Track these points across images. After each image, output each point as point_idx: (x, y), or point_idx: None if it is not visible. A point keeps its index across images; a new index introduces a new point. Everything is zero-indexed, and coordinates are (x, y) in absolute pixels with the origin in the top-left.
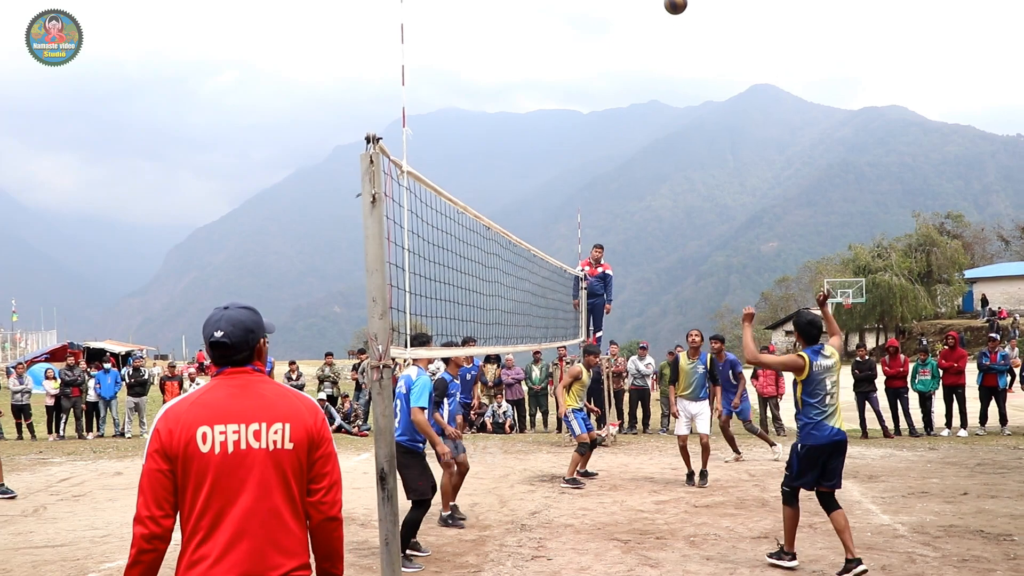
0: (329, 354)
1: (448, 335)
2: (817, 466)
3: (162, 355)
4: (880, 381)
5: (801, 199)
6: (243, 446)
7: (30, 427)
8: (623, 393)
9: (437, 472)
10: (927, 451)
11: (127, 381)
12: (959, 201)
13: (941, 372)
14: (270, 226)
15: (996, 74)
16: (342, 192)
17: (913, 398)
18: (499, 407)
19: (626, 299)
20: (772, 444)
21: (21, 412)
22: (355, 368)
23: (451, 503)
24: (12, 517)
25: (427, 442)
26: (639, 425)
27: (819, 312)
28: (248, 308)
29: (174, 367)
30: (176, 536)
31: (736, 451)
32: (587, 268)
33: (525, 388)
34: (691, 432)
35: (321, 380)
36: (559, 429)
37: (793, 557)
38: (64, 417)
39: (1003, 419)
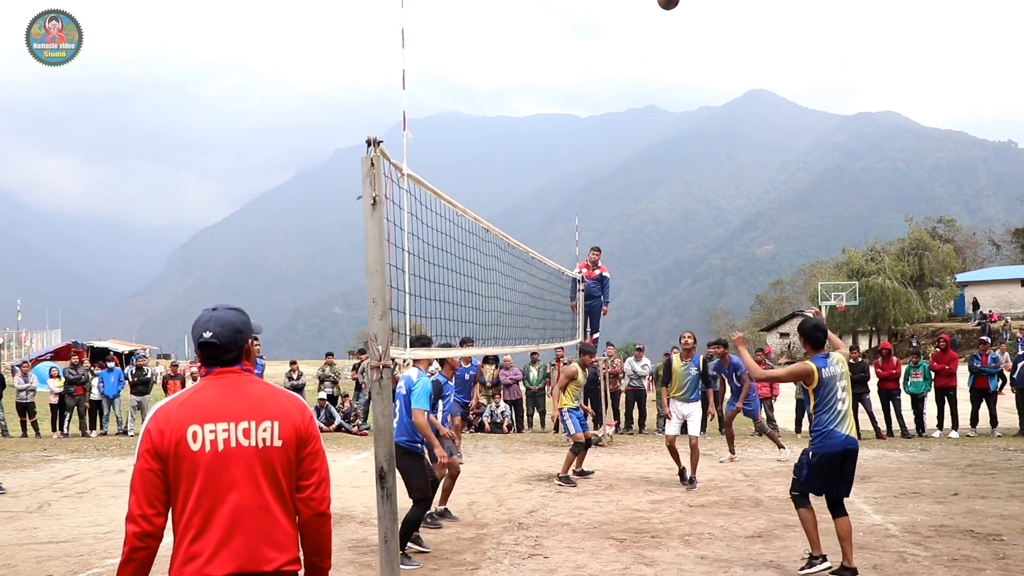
0: (329, 354)
1: (447, 336)
2: (828, 473)
3: (165, 354)
4: (873, 383)
5: (796, 203)
6: (233, 444)
7: (35, 425)
8: (619, 394)
9: None
10: (919, 452)
11: (130, 380)
12: (951, 206)
13: (933, 374)
14: (271, 228)
15: (988, 81)
16: (343, 195)
17: (905, 400)
18: (497, 407)
19: (623, 301)
20: (781, 447)
21: (26, 410)
22: (355, 368)
23: (441, 507)
24: (17, 513)
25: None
26: (635, 426)
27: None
28: (236, 309)
29: (177, 366)
30: (169, 536)
31: (732, 451)
32: (585, 270)
33: (523, 388)
34: (681, 433)
35: (321, 380)
36: (556, 429)
37: (824, 559)
38: (68, 415)
39: (993, 421)
